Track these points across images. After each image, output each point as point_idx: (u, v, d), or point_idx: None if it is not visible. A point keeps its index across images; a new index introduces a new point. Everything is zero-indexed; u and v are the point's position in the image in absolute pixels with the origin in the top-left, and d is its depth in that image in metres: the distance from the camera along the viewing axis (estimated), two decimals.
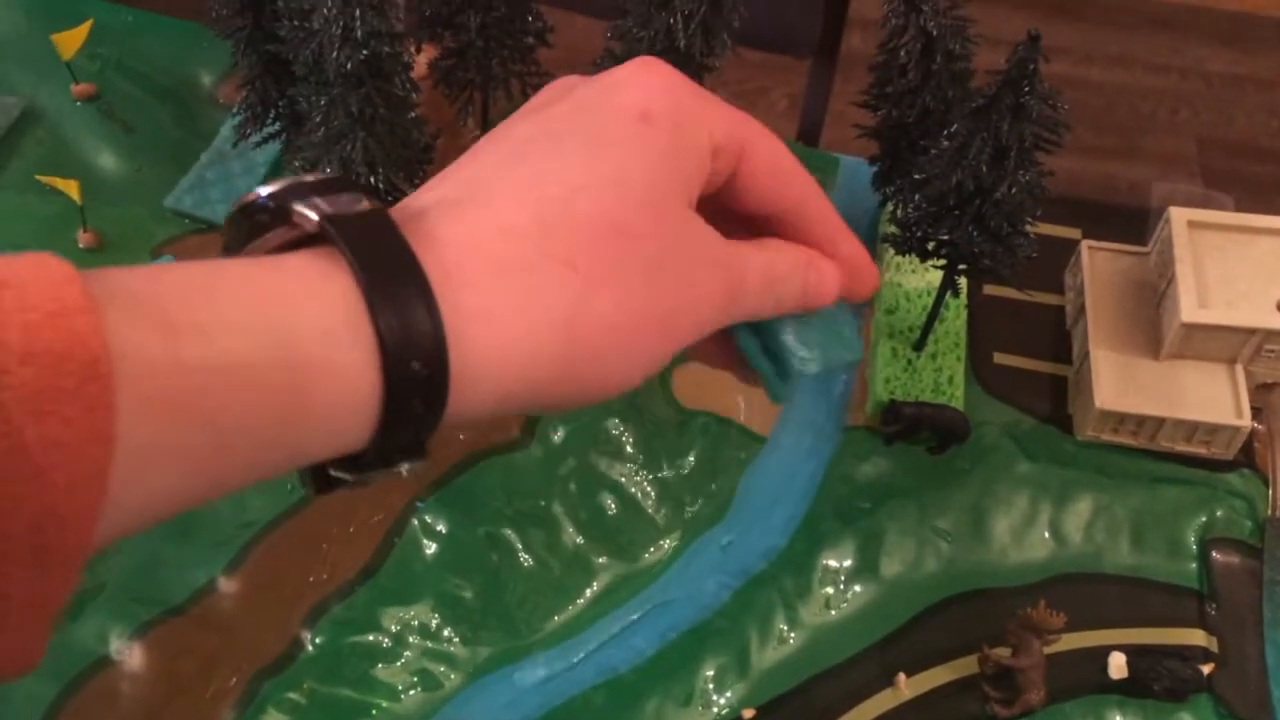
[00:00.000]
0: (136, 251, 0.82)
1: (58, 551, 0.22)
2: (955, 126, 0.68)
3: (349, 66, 0.59)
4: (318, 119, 0.62)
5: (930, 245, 0.72)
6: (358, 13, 0.58)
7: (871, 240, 0.85)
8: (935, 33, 0.71)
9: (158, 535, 0.69)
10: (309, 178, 0.28)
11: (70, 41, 0.85)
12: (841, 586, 0.70)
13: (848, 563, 0.71)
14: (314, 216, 0.27)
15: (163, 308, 0.24)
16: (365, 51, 0.58)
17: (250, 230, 0.28)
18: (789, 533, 0.72)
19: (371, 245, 0.26)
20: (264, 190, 0.28)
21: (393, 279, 0.26)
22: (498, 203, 0.29)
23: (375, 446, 0.27)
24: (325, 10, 0.58)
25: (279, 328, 0.25)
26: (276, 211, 0.27)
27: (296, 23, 0.60)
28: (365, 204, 0.27)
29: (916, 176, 0.71)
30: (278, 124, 0.73)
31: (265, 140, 0.73)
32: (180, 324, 0.24)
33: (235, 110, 0.73)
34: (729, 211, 0.34)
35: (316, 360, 0.25)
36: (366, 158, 0.63)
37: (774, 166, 0.34)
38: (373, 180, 0.64)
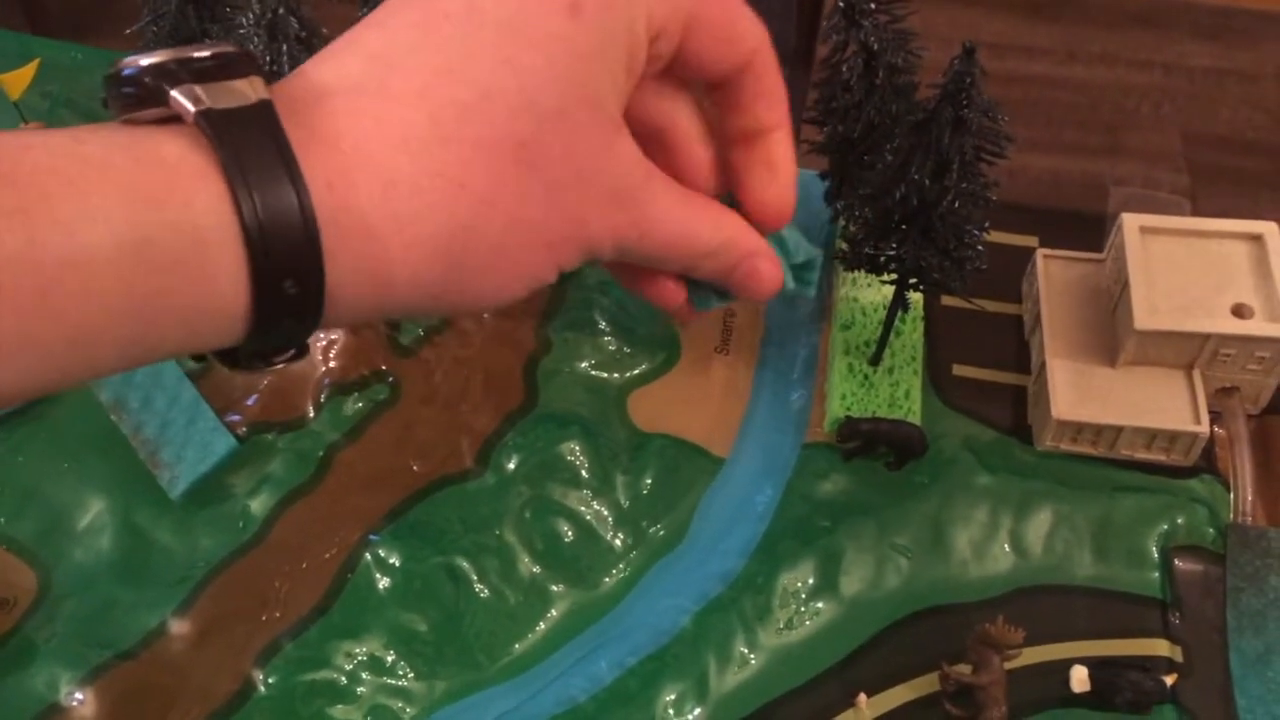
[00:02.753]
0: None
1: None
2: (898, 141, 0.68)
3: None
4: None
5: (881, 260, 0.71)
6: (284, 47, 0.57)
7: (827, 255, 0.85)
8: (876, 47, 0.70)
9: (109, 579, 0.68)
10: (199, 52, 0.26)
11: (17, 81, 0.85)
12: (801, 607, 0.70)
13: (807, 582, 0.71)
14: (191, 109, 0.25)
15: (23, 195, 0.23)
16: None
17: (127, 99, 0.26)
18: (747, 554, 0.72)
19: (252, 150, 0.25)
20: (143, 61, 0.26)
21: (269, 191, 0.25)
22: (397, 98, 0.27)
23: (246, 349, 0.26)
24: (251, 47, 0.58)
25: (142, 224, 0.24)
26: (154, 89, 0.26)
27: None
28: (252, 92, 0.25)
29: (862, 192, 0.70)
30: None
31: None
32: (38, 216, 0.23)
33: None
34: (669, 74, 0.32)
35: (180, 263, 0.24)
36: None
37: (722, 33, 0.31)
38: None
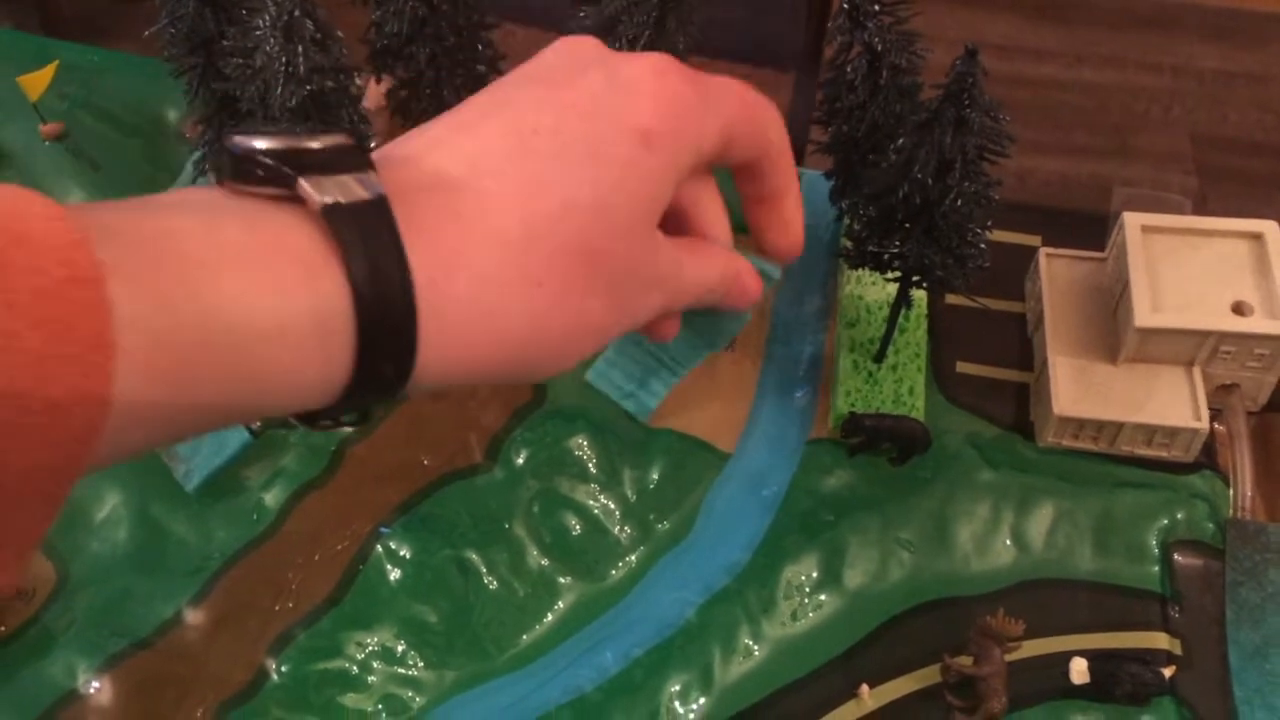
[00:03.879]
0: None
1: (43, 496, 0.24)
2: (901, 140, 0.69)
3: (293, 102, 0.60)
4: None
5: (885, 258, 0.72)
6: (300, 49, 0.59)
7: (833, 253, 0.86)
8: (880, 48, 0.71)
9: (125, 569, 0.70)
10: (312, 142, 0.28)
11: (36, 83, 0.87)
12: (805, 599, 0.71)
13: (811, 575, 0.72)
14: (318, 199, 0.27)
15: (164, 279, 0.25)
16: (309, 87, 0.59)
17: (247, 175, 0.28)
18: (752, 548, 0.73)
19: (371, 247, 0.27)
20: (260, 144, 0.28)
21: (383, 286, 0.27)
22: (494, 202, 0.30)
23: (324, 414, 0.29)
24: (267, 48, 0.59)
25: (277, 312, 0.26)
26: (275, 173, 0.27)
27: (241, 61, 0.61)
28: (366, 189, 0.28)
29: (866, 191, 0.71)
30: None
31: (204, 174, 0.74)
32: (179, 300, 0.25)
33: (195, 146, 0.74)
34: None
35: (302, 347, 0.27)
36: None
37: (754, 140, 0.36)
38: None
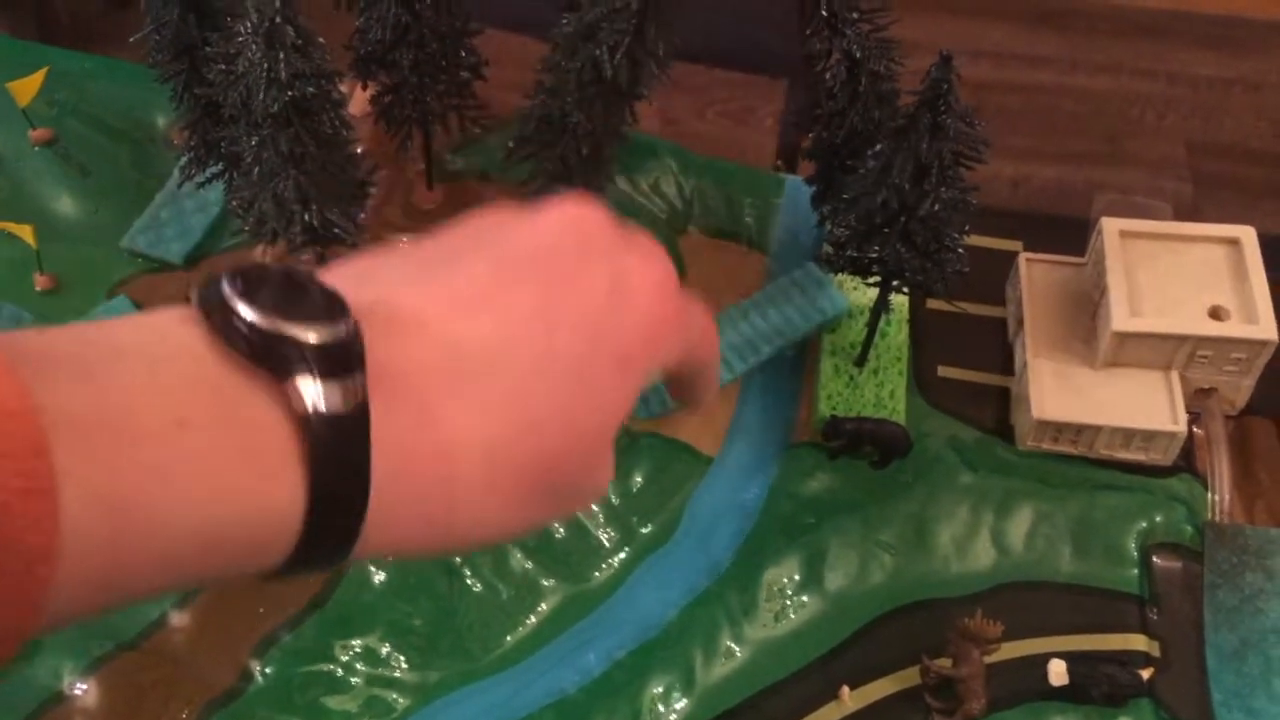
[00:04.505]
0: (93, 293, 0.83)
1: None
2: (879, 147, 0.69)
3: (275, 108, 0.60)
4: (249, 159, 0.63)
5: (864, 263, 0.73)
6: (281, 55, 0.59)
7: (814, 259, 0.87)
8: (859, 55, 0.72)
9: None
10: (309, 334, 0.27)
11: (26, 89, 0.87)
12: (787, 602, 0.71)
13: (793, 578, 0.72)
14: (304, 406, 0.26)
15: (120, 485, 0.24)
16: (290, 93, 0.60)
17: (234, 340, 0.27)
18: (734, 550, 0.73)
19: (341, 459, 0.27)
20: (251, 316, 0.26)
21: (341, 492, 0.27)
22: (466, 410, 0.29)
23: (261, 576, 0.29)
24: (249, 54, 0.60)
25: (224, 518, 0.26)
26: (261, 354, 0.26)
27: (224, 67, 0.62)
28: (349, 395, 0.27)
29: (845, 196, 0.72)
30: (220, 164, 0.74)
31: (209, 180, 0.75)
32: (131, 508, 0.24)
33: (181, 153, 0.75)
34: None
35: (244, 545, 0.26)
36: (300, 195, 0.65)
37: (696, 367, 0.36)
38: (307, 217, 0.65)
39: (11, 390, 0.22)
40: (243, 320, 0.26)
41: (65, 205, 0.88)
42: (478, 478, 0.29)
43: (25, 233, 0.80)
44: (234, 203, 0.68)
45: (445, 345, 0.30)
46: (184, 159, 0.74)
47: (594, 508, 0.74)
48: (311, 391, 0.26)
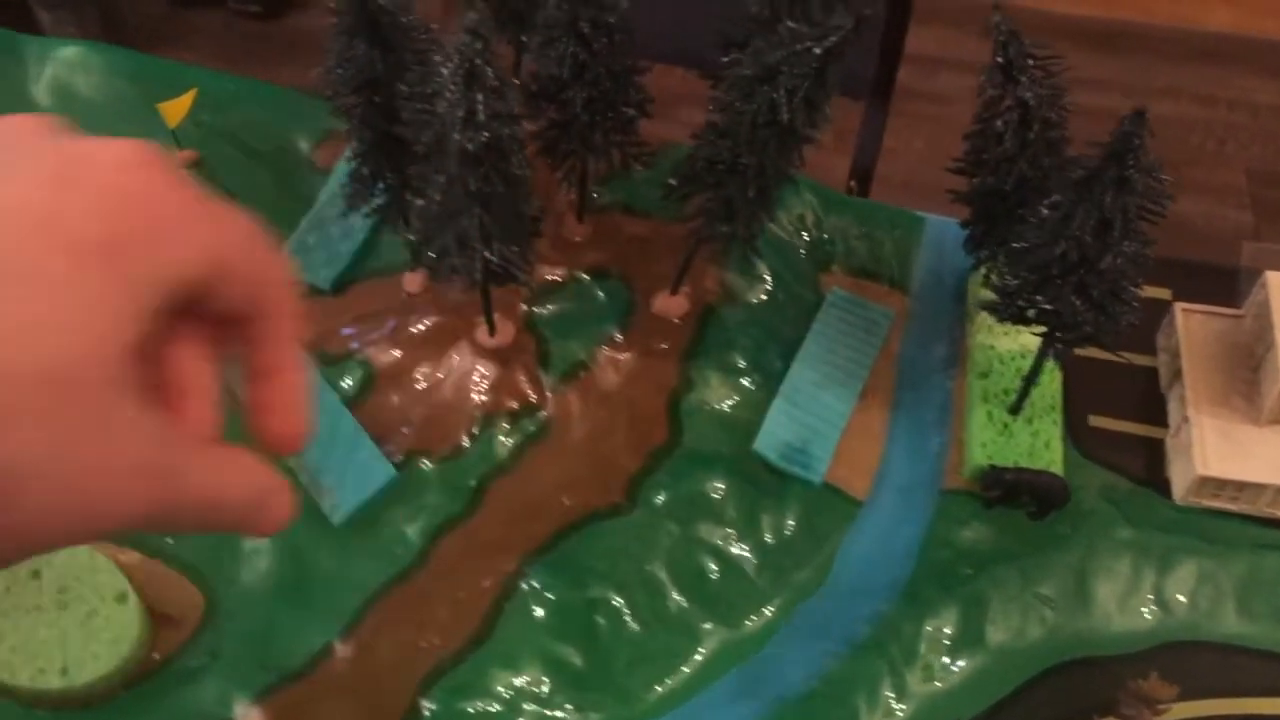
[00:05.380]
0: None
1: None
2: (1057, 197, 0.69)
3: (471, 147, 0.61)
4: (437, 197, 0.64)
5: (1031, 312, 0.72)
6: (480, 97, 0.60)
7: (960, 301, 0.86)
8: (1032, 103, 0.71)
9: (274, 600, 0.70)
10: None
11: (176, 110, 0.88)
12: (945, 656, 0.71)
13: (952, 630, 0.71)
14: None
15: None
16: (486, 134, 0.60)
17: None
18: (891, 599, 0.73)
19: None
20: None
21: None
22: None
23: None
24: (448, 94, 0.60)
25: None
26: None
27: (421, 106, 0.62)
28: None
29: (1015, 245, 0.71)
30: (386, 195, 0.74)
31: (374, 212, 0.75)
32: None
33: (344, 183, 0.75)
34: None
35: None
36: (483, 233, 0.65)
37: (248, 299, 0.29)
38: (487, 255, 0.66)
39: None
40: None
41: None
42: None
43: None
44: (413, 237, 0.68)
45: None
46: (348, 188, 0.75)
47: (748, 550, 0.74)
48: None
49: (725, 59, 0.79)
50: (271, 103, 0.95)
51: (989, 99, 0.73)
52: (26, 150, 0.26)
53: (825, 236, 0.89)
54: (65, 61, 0.97)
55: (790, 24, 0.66)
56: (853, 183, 1.52)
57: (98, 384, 0.24)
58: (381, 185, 0.74)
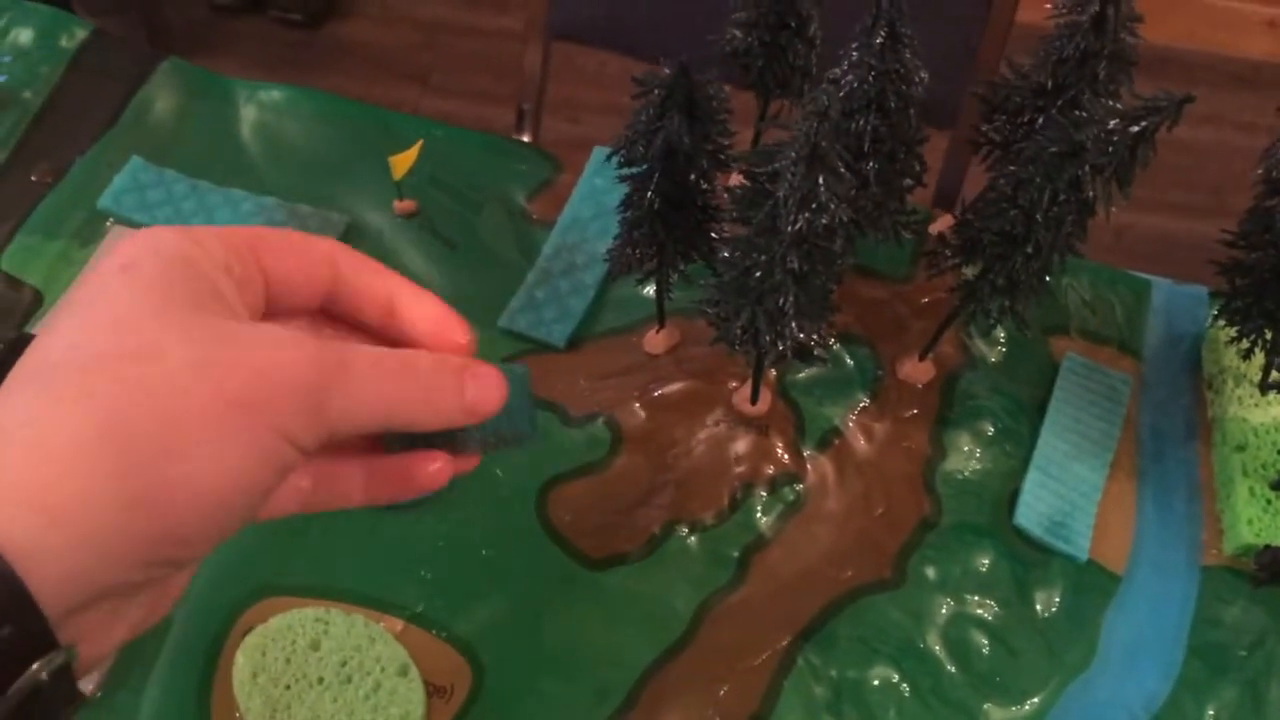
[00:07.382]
0: None
1: None
2: None
3: (804, 228, 0.60)
4: (758, 274, 0.63)
5: None
6: (821, 179, 0.59)
7: (1194, 368, 0.85)
8: None
9: (540, 672, 0.69)
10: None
11: (403, 162, 0.87)
12: None
13: (1233, 713, 0.70)
14: None
15: None
16: (826, 218, 0.59)
17: None
18: (1167, 680, 0.72)
19: None
20: None
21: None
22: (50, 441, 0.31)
23: None
24: (790, 176, 0.59)
25: None
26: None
27: (760, 185, 0.61)
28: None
29: None
30: (655, 260, 0.73)
31: (645, 279, 0.74)
32: None
33: (608, 251, 0.74)
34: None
35: None
36: (797, 311, 0.64)
37: (291, 250, 0.37)
38: (797, 331, 0.65)
39: None
40: None
41: (434, 279, 0.88)
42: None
43: None
44: (710, 310, 0.67)
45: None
46: (612, 255, 0.74)
47: (1019, 626, 0.73)
48: None
49: (986, 126, 0.78)
50: (482, 152, 0.94)
51: (1274, 179, 0.72)
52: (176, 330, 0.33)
53: (1058, 298, 0.88)
54: (271, 106, 0.96)
55: (1105, 101, 0.65)
56: (934, 210, 1.51)
57: (218, 507, 0.33)
58: (652, 250, 0.73)
